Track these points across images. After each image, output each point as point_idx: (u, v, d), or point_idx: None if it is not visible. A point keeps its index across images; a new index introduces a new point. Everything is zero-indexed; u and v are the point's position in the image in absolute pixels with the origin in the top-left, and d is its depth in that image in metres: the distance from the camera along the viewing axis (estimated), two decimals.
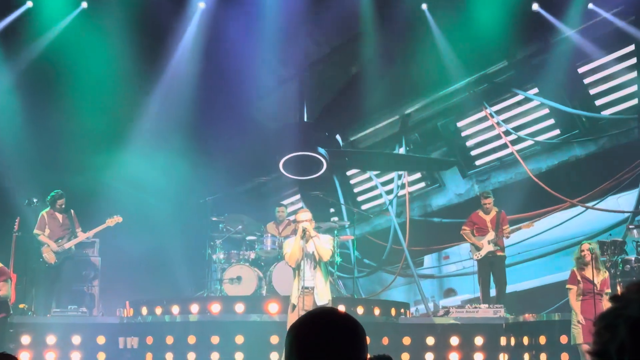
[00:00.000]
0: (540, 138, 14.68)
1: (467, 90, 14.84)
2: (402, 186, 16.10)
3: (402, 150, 16.06)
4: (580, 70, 14.11)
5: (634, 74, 13.60)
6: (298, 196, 17.09)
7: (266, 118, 14.49)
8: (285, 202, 15.70)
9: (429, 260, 16.69)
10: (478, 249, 12.47)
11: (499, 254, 12.51)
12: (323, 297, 9.49)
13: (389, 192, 16.47)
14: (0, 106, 13.54)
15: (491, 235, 12.43)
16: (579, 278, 10.32)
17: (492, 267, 12.59)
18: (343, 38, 14.58)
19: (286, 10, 13.22)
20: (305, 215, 9.77)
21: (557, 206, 14.25)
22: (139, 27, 13.37)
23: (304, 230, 9.46)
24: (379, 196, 16.76)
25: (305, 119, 14.28)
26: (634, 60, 13.58)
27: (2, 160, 13.50)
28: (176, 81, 14.05)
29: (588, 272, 10.26)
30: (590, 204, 14.09)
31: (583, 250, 10.32)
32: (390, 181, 16.48)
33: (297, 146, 13.83)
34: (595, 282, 10.18)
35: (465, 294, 15.22)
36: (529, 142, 14.79)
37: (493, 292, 12.74)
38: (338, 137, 14.42)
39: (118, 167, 14.08)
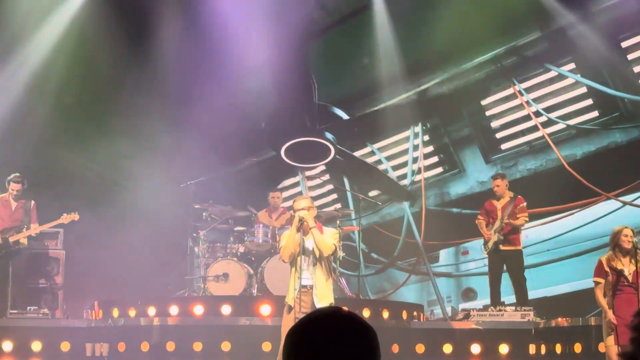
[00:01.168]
0: (575, 121, 14.62)
1: (493, 64, 14.74)
2: (418, 171, 15.98)
3: (417, 130, 15.95)
4: (624, 44, 13.95)
5: None
6: (297, 179, 16.95)
7: (261, 92, 14.27)
8: (280, 186, 15.50)
9: (445, 255, 16.48)
10: (486, 242, 12.40)
11: (509, 247, 12.19)
12: (324, 297, 9.16)
13: (400, 178, 16.31)
14: None
15: (497, 224, 12.22)
16: (606, 269, 9.80)
17: (506, 263, 12.39)
18: (354, 4, 14.56)
19: None
20: (304, 202, 9.34)
21: (593, 199, 14.16)
22: None
23: (301, 220, 9.05)
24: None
25: (308, 94, 14.17)
26: None
27: None
28: (156, 48, 13.84)
29: (617, 263, 9.75)
30: (630, 198, 13.97)
31: (627, 235, 9.76)
32: (403, 165, 16.32)
33: (300, 129, 13.74)
34: (627, 273, 9.69)
35: (486, 297, 14.73)
36: (563, 125, 14.72)
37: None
38: (337, 110, 14.39)
39: (87, 145, 13.88)
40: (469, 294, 15.92)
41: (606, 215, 14.12)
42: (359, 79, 14.82)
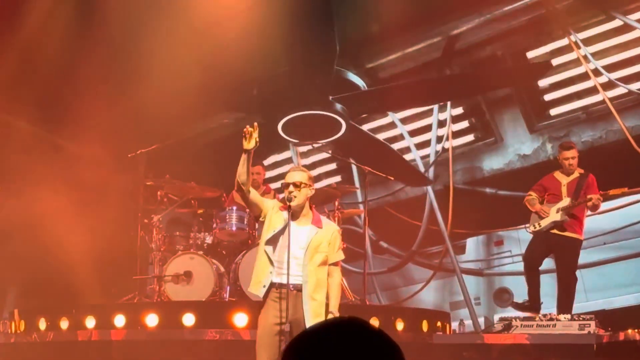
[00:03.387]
0: None
1: (543, 7, 14.44)
2: (445, 138, 15.86)
3: None
4: None
5: None
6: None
7: (242, 39, 13.68)
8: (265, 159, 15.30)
9: (473, 245, 16.17)
10: (539, 218, 11.81)
11: (568, 233, 11.61)
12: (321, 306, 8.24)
13: (421, 145, 16.20)
14: None
15: (565, 202, 11.67)
16: None
17: (554, 252, 11.85)
18: None
19: None
20: (298, 175, 8.24)
21: None
22: None
23: (289, 200, 8.10)
24: (406, 150, 16.36)
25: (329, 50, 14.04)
26: None
27: None
28: None
29: None
30: None
31: None
32: (424, 129, 16.13)
33: (305, 98, 13.84)
34: None
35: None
36: (633, 86, 14.41)
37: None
38: (357, 79, 14.51)
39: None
40: (503, 296, 15.53)
41: None
42: (370, 21, 14.61)
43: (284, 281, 8.05)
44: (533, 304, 11.65)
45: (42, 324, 11.66)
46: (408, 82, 15.67)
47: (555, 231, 11.61)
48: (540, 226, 11.69)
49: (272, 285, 8.14)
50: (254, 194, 8.35)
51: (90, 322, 11.30)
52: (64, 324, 11.46)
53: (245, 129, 7.96)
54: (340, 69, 14.73)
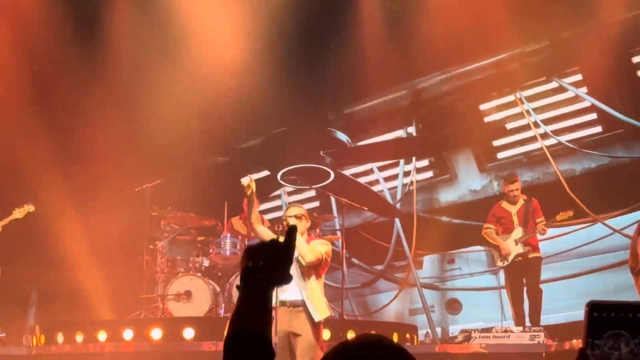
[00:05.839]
0: (577, 135, 14.92)
1: (495, 68, 15.16)
2: (408, 173, 16.43)
3: (410, 130, 16.37)
4: (635, 59, 14.15)
5: None
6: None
7: (237, 94, 14.11)
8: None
9: (429, 262, 16.63)
10: (502, 254, 12.24)
11: (531, 255, 12.13)
12: (324, 313, 8.76)
13: (389, 179, 16.55)
14: None
15: (518, 232, 12.15)
16: None
17: (524, 274, 12.22)
18: None
19: None
20: (296, 210, 9.04)
21: (583, 220, 14.27)
22: None
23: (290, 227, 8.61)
24: (375, 182, 16.82)
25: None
26: None
27: None
28: (107, 33, 13.85)
29: None
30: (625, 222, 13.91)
31: None
32: (392, 165, 16.59)
33: (302, 153, 14.37)
34: None
35: (472, 310, 15.53)
36: (565, 137, 15.02)
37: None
38: (342, 136, 15.06)
39: (24, 143, 13.47)
40: (453, 305, 16.08)
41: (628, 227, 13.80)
42: (344, 74, 14.92)
43: (283, 298, 8.53)
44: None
45: (60, 338, 11.75)
46: (381, 142, 16.43)
47: (520, 258, 12.08)
48: (508, 261, 12.10)
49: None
50: (264, 230, 8.94)
51: (102, 336, 11.48)
52: (79, 338, 11.59)
53: (242, 184, 8.68)
54: (330, 129, 15.26)
